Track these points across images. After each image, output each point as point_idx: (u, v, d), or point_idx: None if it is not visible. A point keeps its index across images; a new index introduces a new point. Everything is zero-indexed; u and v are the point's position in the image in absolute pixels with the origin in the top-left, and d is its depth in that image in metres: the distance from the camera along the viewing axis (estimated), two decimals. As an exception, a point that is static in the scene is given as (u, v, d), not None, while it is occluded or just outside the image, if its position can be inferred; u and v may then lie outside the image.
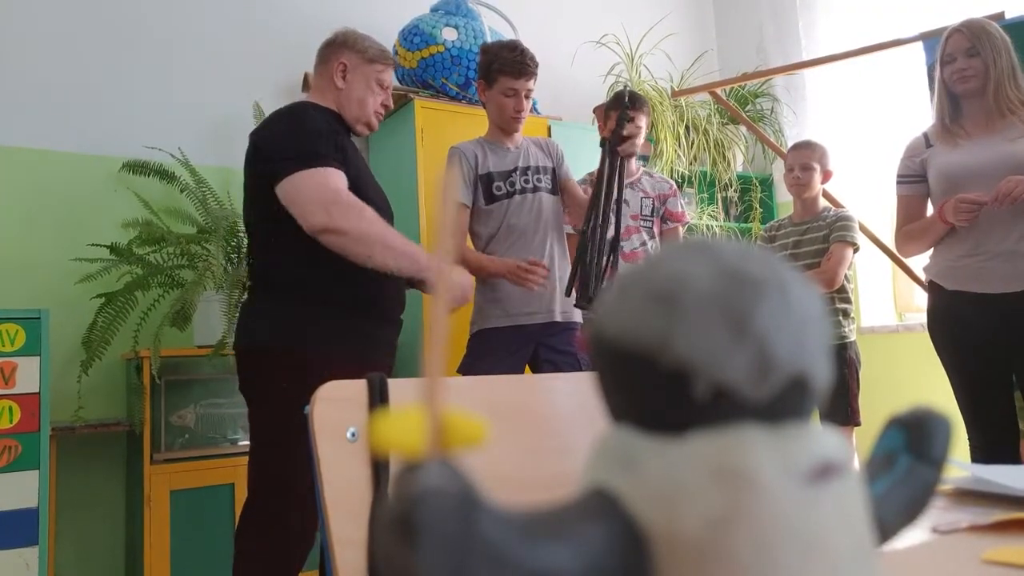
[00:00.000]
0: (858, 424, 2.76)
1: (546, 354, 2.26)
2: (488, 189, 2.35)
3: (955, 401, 2.15)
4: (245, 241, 2.75)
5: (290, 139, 1.70)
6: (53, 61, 2.75)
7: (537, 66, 2.34)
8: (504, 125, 2.37)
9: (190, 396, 2.69)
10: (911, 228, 2.22)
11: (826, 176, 2.90)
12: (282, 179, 1.66)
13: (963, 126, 2.13)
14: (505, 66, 2.29)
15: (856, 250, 2.82)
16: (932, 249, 2.21)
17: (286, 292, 1.72)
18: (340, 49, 1.91)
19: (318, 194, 1.64)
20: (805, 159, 2.85)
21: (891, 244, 3.44)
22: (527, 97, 2.33)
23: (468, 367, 2.27)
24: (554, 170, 2.43)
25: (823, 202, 2.95)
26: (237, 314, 1.83)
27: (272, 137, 1.73)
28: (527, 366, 2.31)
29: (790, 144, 4.02)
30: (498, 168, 2.36)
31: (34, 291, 2.58)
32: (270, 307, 1.73)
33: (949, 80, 2.13)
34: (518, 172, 2.36)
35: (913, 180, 2.22)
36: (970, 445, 2.13)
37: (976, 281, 2.07)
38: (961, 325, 2.11)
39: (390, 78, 1.95)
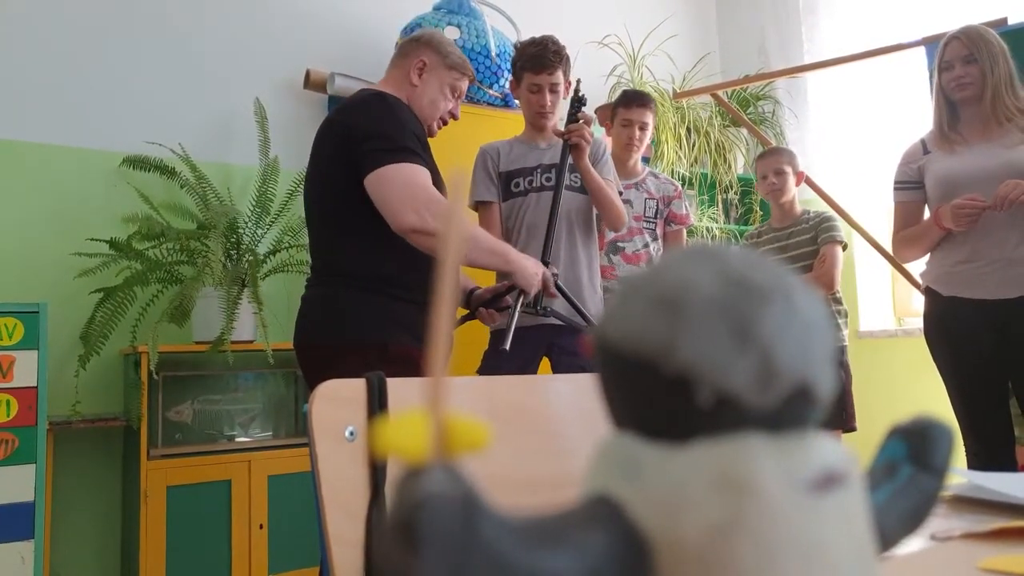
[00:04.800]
0: (854, 428, 2.76)
1: (559, 355, 2.23)
2: (507, 187, 2.34)
3: (951, 407, 2.16)
4: (245, 237, 2.76)
5: (382, 128, 1.65)
6: (54, 55, 2.74)
7: (562, 60, 2.26)
8: (532, 121, 2.35)
9: (188, 392, 2.69)
10: (907, 233, 2.23)
11: (799, 178, 2.94)
12: (372, 170, 1.61)
13: (961, 133, 2.14)
14: (527, 62, 2.26)
15: (844, 248, 2.85)
16: (929, 255, 2.22)
17: (369, 284, 1.68)
18: (423, 47, 1.87)
19: (411, 192, 1.60)
20: (777, 164, 2.89)
21: (891, 249, 3.46)
22: (553, 91, 2.27)
23: (484, 367, 2.26)
24: None
25: (799, 205, 2.99)
26: (304, 305, 1.76)
27: (363, 122, 1.67)
28: (548, 367, 2.29)
29: (791, 147, 4.03)
30: (520, 165, 2.33)
31: (33, 285, 2.58)
32: (355, 299, 1.68)
33: (947, 87, 2.14)
34: (539, 170, 2.31)
35: (910, 186, 2.23)
36: (966, 452, 2.13)
37: (972, 287, 2.08)
38: (957, 331, 2.11)
39: (464, 89, 1.92)
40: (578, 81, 2.29)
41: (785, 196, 2.90)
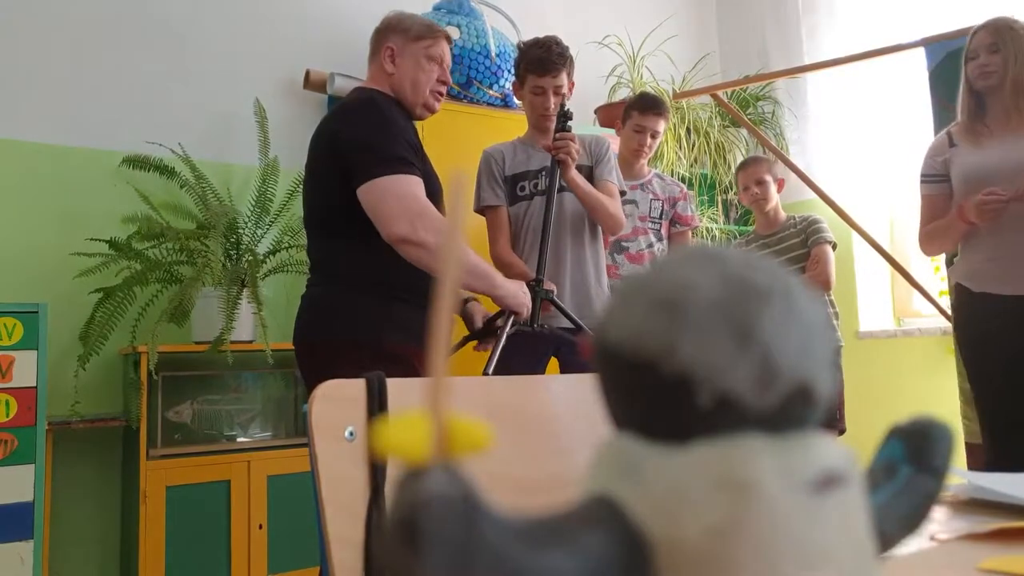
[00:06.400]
0: (844, 430, 2.78)
1: (568, 355, 2.23)
2: (513, 190, 2.33)
3: (975, 404, 2.12)
4: (245, 237, 2.76)
5: (375, 137, 1.67)
6: (54, 55, 2.74)
7: (566, 61, 2.25)
8: (536, 124, 2.34)
9: (187, 392, 2.69)
10: (933, 228, 2.20)
11: (780, 184, 2.96)
12: (366, 181, 1.63)
13: (987, 124, 2.12)
14: (531, 64, 2.25)
15: (835, 247, 2.87)
16: (959, 251, 2.19)
17: (364, 284, 1.70)
18: (385, 34, 1.87)
19: (403, 204, 1.62)
20: (757, 174, 2.93)
21: (890, 249, 3.46)
22: (556, 94, 2.26)
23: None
24: (591, 169, 2.34)
25: (782, 211, 3.03)
26: (302, 304, 1.79)
27: (355, 131, 1.69)
28: (558, 369, 2.29)
29: (790, 148, 4.04)
30: (524, 168, 2.33)
31: (32, 285, 2.58)
32: (350, 299, 1.71)
33: (971, 76, 2.13)
34: (544, 173, 2.29)
35: (936, 179, 2.20)
36: (985, 449, 2.10)
37: (1003, 283, 2.05)
38: (987, 327, 2.08)
39: (441, 51, 1.86)
40: (563, 101, 2.29)
41: (769, 204, 2.94)
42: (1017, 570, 0.57)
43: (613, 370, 0.30)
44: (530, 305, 1.87)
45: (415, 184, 1.66)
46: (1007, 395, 2.06)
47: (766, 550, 0.26)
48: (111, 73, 2.84)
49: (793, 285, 0.29)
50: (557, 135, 2.14)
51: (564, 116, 2.17)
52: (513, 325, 1.88)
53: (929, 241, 2.24)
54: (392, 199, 1.62)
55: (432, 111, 1.88)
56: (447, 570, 0.22)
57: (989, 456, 2.07)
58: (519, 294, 1.81)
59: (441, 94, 1.89)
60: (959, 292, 2.18)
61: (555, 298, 2.10)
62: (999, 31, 2.09)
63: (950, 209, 2.17)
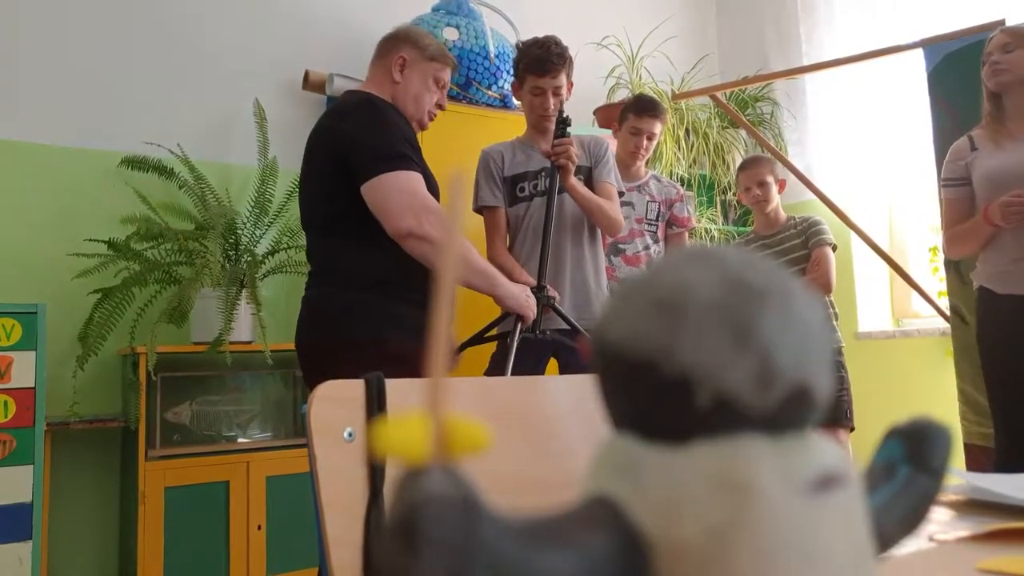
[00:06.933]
0: (853, 428, 2.78)
1: (567, 356, 2.23)
2: (512, 191, 2.33)
3: (992, 404, 2.11)
4: (243, 238, 2.76)
5: (376, 135, 1.69)
6: (52, 55, 2.74)
7: (565, 61, 2.24)
8: (535, 124, 2.34)
9: (186, 393, 2.69)
10: (958, 230, 2.20)
11: (781, 185, 2.95)
12: (370, 178, 1.65)
13: (1007, 127, 2.12)
14: (530, 64, 2.24)
15: (834, 249, 2.87)
16: (981, 254, 2.18)
17: (366, 284, 1.71)
18: (401, 43, 1.88)
19: (408, 199, 1.64)
20: (759, 176, 2.92)
21: (889, 250, 3.46)
22: (555, 95, 2.26)
23: (491, 369, 2.27)
24: (590, 170, 2.34)
25: (783, 211, 3.02)
26: (303, 305, 1.80)
27: (357, 130, 1.71)
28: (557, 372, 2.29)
29: (789, 148, 4.05)
30: (523, 169, 2.32)
31: (31, 285, 2.58)
32: (350, 299, 1.71)
33: (985, 76, 2.13)
34: (543, 174, 2.28)
35: (958, 183, 2.20)
36: (996, 447, 2.09)
37: None
38: (1014, 328, 2.06)
39: (447, 78, 1.92)
40: (562, 102, 2.29)
41: (770, 205, 2.93)
42: (1015, 570, 0.57)
43: (613, 371, 0.30)
44: (535, 309, 1.87)
45: (418, 180, 1.68)
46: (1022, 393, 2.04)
47: (764, 550, 0.26)
48: (110, 73, 2.83)
49: (792, 286, 0.29)
50: (555, 141, 2.15)
51: (563, 122, 2.17)
52: (521, 332, 1.89)
53: (953, 244, 2.25)
54: (397, 194, 1.64)
55: (423, 128, 1.93)
56: (445, 571, 0.22)
57: (1002, 458, 2.05)
58: (521, 297, 1.82)
59: (434, 115, 1.93)
60: (983, 294, 2.17)
61: (558, 304, 2.10)
62: (1015, 34, 2.09)
63: (972, 212, 2.17)
